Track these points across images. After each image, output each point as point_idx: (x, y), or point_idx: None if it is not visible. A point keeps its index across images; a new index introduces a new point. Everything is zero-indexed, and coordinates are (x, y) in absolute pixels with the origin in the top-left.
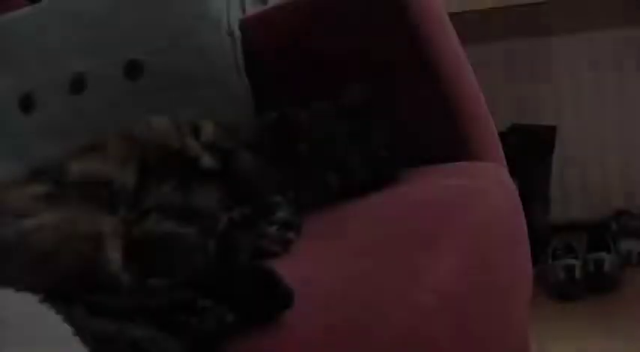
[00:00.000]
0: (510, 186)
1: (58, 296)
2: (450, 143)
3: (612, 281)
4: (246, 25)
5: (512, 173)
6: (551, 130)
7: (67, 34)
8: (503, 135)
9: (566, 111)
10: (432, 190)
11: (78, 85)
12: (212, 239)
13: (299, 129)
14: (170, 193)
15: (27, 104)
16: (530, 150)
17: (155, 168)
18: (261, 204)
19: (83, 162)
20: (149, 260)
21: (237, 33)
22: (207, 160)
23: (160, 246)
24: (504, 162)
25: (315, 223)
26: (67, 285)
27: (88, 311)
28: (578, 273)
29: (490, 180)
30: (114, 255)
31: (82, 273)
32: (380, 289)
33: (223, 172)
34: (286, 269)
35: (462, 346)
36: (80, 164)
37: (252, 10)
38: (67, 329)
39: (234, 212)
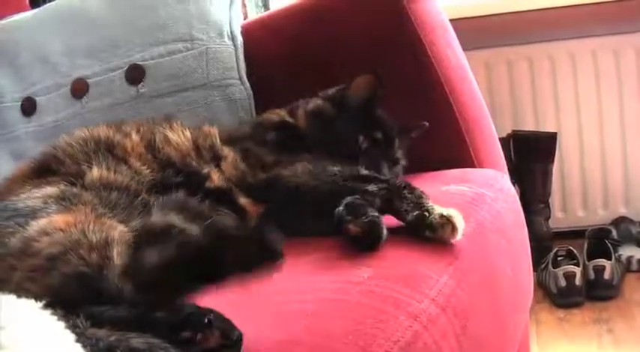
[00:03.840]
0: (511, 192)
1: (60, 303)
2: (451, 149)
3: (612, 288)
4: (248, 29)
5: (513, 179)
6: (552, 137)
7: (69, 38)
8: (504, 142)
9: (567, 118)
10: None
11: (79, 88)
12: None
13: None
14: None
15: (28, 107)
16: (530, 157)
17: (174, 187)
18: None
19: (106, 171)
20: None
21: (239, 37)
22: (243, 201)
23: (162, 235)
24: (505, 169)
25: None
26: (71, 292)
27: (90, 319)
28: (578, 280)
29: (491, 186)
30: (121, 261)
31: (87, 280)
32: (380, 297)
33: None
34: (288, 276)
35: None
36: (101, 171)
37: (254, 14)
38: (68, 337)
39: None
